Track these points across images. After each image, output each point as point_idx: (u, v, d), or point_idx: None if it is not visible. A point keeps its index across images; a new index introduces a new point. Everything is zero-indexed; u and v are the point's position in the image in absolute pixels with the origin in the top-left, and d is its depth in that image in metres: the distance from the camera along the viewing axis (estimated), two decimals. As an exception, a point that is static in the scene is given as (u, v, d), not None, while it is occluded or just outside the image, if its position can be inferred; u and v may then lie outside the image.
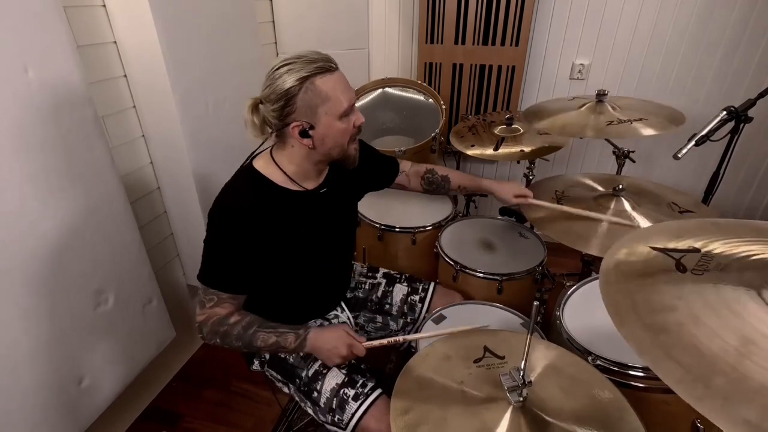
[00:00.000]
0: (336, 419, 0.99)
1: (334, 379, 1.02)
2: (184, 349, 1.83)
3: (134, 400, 1.61)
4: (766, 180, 2.11)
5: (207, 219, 0.96)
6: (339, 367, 1.03)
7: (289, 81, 0.87)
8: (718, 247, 0.66)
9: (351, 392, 1.00)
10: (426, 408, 0.77)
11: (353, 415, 0.97)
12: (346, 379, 1.02)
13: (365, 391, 1.00)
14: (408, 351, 1.26)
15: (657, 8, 1.92)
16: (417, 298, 1.27)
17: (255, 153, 1.03)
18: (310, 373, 1.05)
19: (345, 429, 0.98)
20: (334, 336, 0.99)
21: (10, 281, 1.00)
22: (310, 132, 0.91)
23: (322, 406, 1.01)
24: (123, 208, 1.27)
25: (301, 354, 1.06)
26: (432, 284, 1.31)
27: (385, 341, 1.02)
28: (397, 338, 1.03)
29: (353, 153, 1.01)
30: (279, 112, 0.90)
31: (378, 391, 1.01)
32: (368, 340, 1.03)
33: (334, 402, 1.00)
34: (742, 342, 0.50)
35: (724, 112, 1.31)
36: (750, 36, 1.87)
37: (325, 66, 0.89)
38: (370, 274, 1.33)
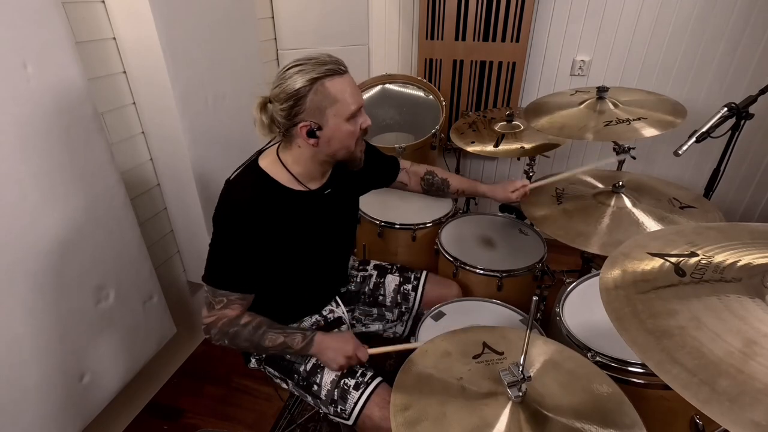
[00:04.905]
0: (339, 410, 1.00)
1: (333, 371, 1.03)
2: (184, 346, 1.84)
3: (135, 396, 1.61)
4: (766, 176, 2.11)
5: (212, 223, 0.96)
6: (341, 371, 1.03)
7: (299, 81, 0.88)
8: (716, 250, 0.66)
9: (351, 382, 1.01)
10: (425, 404, 0.77)
11: (356, 403, 0.98)
12: (345, 370, 1.02)
13: (365, 380, 1.01)
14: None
15: (658, 5, 1.91)
16: (410, 287, 1.28)
17: (262, 150, 1.03)
18: (308, 367, 1.05)
19: (348, 418, 0.99)
20: (341, 337, 1.01)
21: (11, 278, 1.00)
22: (318, 132, 0.92)
23: (324, 398, 1.02)
24: (123, 205, 1.27)
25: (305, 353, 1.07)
26: (424, 273, 1.31)
27: (389, 349, 1.03)
28: (397, 347, 1.04)
29: (359, 155, 1.02)
30: (288, 112, 0.90)
31: (378, 379, 1.02)
32: (365, 331, 1.03)
33: (336, 393, 1.00)
34: (745, 343, 0.50)
35: (725, 109, 1.30)
36: (751, 32, 1.86)
37: (335, 68, 0.90)
38: (361, 267, 1.33)
